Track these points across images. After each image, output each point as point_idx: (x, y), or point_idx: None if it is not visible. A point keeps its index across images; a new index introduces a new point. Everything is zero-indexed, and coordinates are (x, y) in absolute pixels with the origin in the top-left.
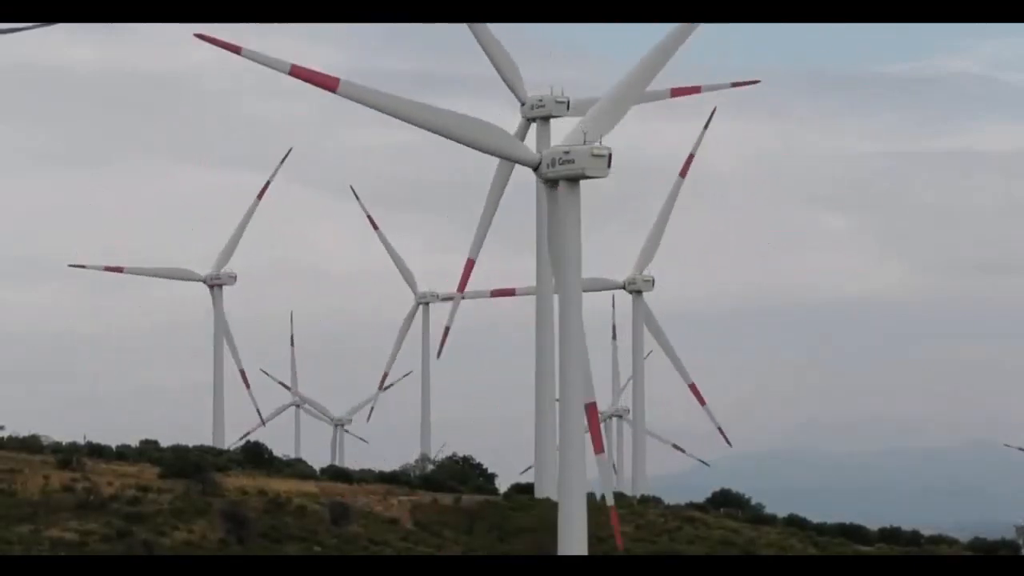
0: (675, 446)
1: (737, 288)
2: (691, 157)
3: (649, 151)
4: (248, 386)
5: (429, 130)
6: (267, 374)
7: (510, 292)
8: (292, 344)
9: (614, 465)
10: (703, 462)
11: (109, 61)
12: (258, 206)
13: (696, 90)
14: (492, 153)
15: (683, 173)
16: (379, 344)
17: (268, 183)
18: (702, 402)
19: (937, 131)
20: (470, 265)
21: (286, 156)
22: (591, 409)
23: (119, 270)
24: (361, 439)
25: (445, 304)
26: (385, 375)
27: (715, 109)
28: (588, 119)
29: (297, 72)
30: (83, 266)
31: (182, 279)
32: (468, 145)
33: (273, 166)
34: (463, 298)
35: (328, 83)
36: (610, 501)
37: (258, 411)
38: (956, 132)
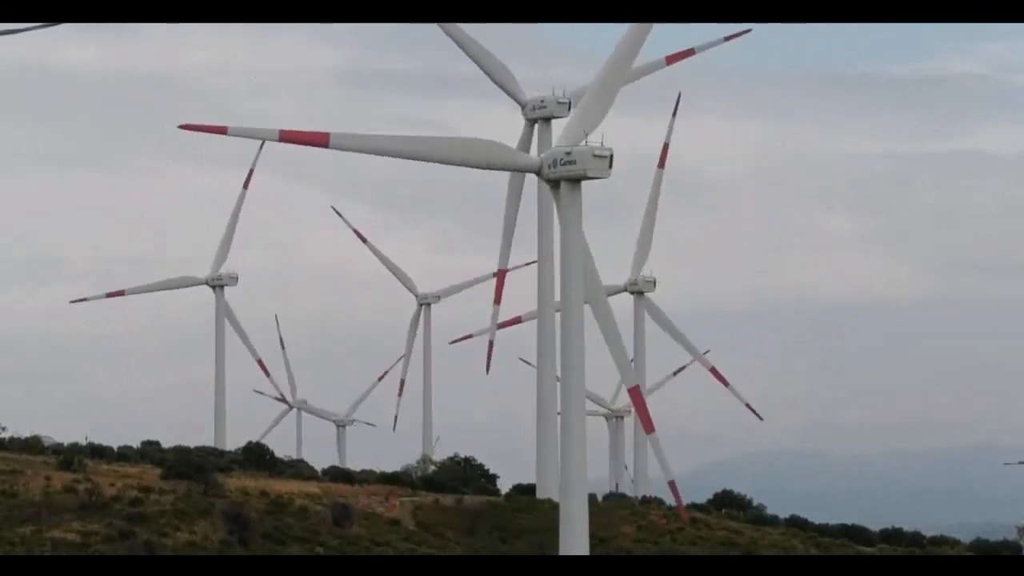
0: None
1: (739, 289)
2: (666, 147)
3: (638, 149)
4: (268, 374)
5: (428, 160)
6: (262, 393)
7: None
8: (283, 347)
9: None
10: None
11: (110, 61)
12: (245, 197)
13: (690, 53)
14: (494, 168)
15: (661, 164)
16: (380, 345)
17: (251, 171)
18: (725, 383)
19: (941, 132)
20: (502, 276)
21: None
22: (635, 392)
23: (120, 294)
24: (369, 424)
25: (446, 304)
26: (402, 381)
27: (680, 95)
28: (580, 112)
29: (287, 137)
30: (84, 299)
31: (184, 287)
32: (469, 166)
33: (274, 166)
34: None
35: (318, 140)
36: (669, 477)
37: (281, 396)
38: (960, 133)
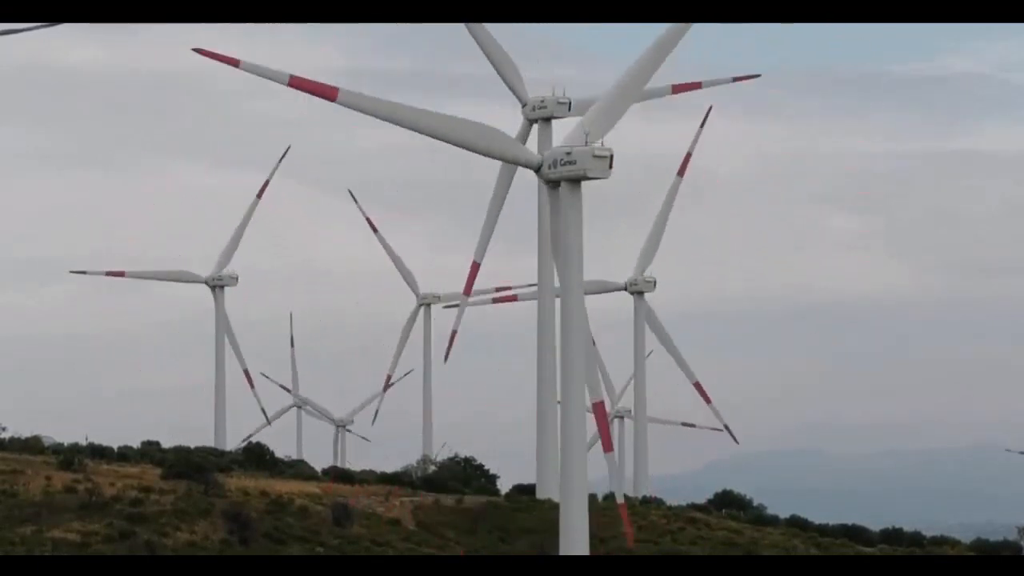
0: (684, 423)
1: (740, 288)
2: (688, 156)
3: (651, 149)
4: (252, 386)
5: (429, 135)
6: (267, 377)
7: (512, 298)
8: (292, 345)
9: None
10: (729, 432)
11: (111, 61)
12: (258, 205)
13: (697, 86)
14: (493, 156)
15: (681, 172)
16: (380, 345)
17: (267, 181)
18: (708, 400)
19: (941, 132)
20: (475, 268)
21: (284, 154)
22: (599, 408)
23: (120, 274)
24: (363, 438)
25: (447, 306)
26: (388, 377)
27: (711, 108)
28: (588, 118)
29: (296, 83)
30: (84, 272)
31: (184, 281)
32: (469, 149)
33: (279, 167)
34: (469, 303)
35: (327, 92)
36: (620, 499)
37: (263, 411)
38: (963, 133)
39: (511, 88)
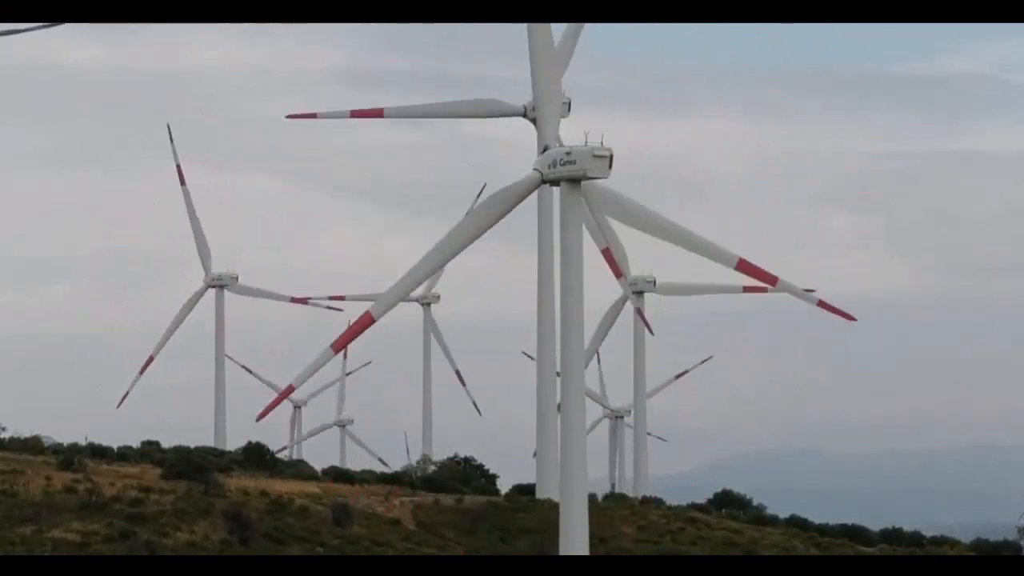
0: (677, 375)
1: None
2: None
3: (646, 151)
4: (305, 302)
5: (463, 247)
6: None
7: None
8: (251, 372)
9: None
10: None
11: (111, 61)
12: (190, 193)
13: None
14: (509, 209)
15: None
16: (380, 344)
17: (178, 165)
18: (774, 281)
19: (941, 132)
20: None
21: (170, 132)
22: (743, 263)
23: (150, 361)
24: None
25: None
26: (458, 372)
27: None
28: (540, 123)
29: (340, 345)
30: (127, 393)
31: (192, 308)
32: (491, 224)
33: (280, 167)
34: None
35: (364, 323)
36: (816, 301)
37: (334, 307)
38: (963, 133)
39: (502, 115)
